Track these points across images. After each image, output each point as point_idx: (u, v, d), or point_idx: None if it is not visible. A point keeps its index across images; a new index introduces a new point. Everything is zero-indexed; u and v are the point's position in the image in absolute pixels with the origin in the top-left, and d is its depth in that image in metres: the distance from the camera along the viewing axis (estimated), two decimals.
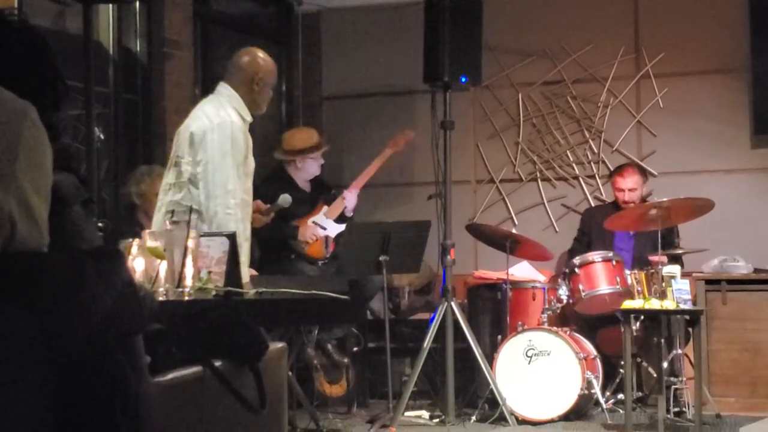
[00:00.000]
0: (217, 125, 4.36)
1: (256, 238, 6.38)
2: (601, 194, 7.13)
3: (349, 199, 6.40)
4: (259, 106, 4.59)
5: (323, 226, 6.25)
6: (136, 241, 2.86)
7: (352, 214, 6.45)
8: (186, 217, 3.72)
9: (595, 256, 6.02)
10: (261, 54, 4.63)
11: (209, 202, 4.31)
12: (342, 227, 6.14)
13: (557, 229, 7.20)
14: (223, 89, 4.54)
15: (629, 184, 6.35)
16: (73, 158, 2.00)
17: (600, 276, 5.95)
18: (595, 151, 7.20)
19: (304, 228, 6.22)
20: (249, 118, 4.52)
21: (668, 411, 5.43)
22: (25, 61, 1.89)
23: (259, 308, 2.81)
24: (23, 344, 1.63)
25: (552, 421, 5.63)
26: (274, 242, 6.24)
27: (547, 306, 6.04)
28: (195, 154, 4.38)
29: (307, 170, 6.34)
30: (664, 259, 5.68)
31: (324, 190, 6.57)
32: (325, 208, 6.36)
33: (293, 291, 2.83)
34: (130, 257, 2.80)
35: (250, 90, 4.51)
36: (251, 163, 4.55)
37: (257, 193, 5.31)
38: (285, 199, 5.01)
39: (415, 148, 7.02)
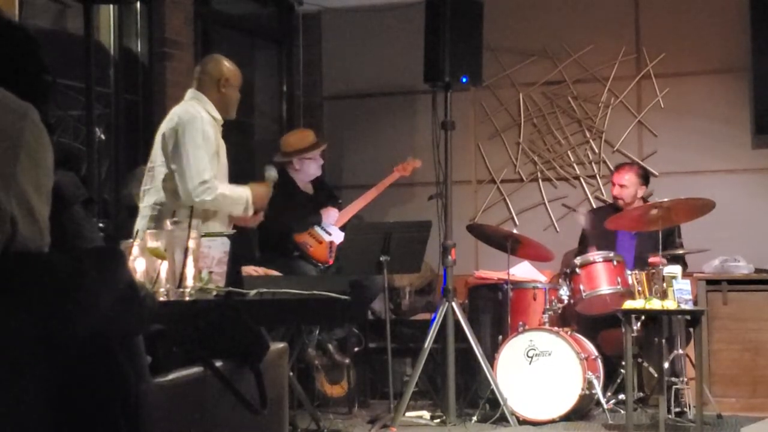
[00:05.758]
0: (187, 121, 4.47)
1: (257, 237, 6.42)
2: (602, 194, 7.13)
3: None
4: (228, 109, 4.70)
5: (329, 232, 6.29)
6: (137, 242, 2.85)
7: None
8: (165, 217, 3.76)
9: (596, 256, 6.01)
10: (225, 60, 4.78)
11: (190, 197, 4.36)
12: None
13: (558, 230, 7.20)
14: (192, 94, 4.66)
15: (622, 180, 6.34)
16: (74, 157, 1.99)
17: (601, 276, 5.94)
18: (596, 151, 7.20)
19: (326, 212, 6.28)
20: (220, 119, 4.63)
21: (669, 411, 5.43)
22: (8, 58, 1.87)
23: (260, 308, 2.81)
24: (23, 344, 1.62)
25: (553, 421, 5.62)
26: (276, 240, 6.23)
27: (548, 306, 6.03)
28: (167, 154, 4.48)
29: (305, 171, 6.35)
30: (663, 260, 5.66)
31: (329, 195, 6.59)
32: None
33: (294, 291, 2.83)
34: (131, 257, 2.79)
35: (218, 92, 4.64)
36: (224, 163, 4.63)
37: None
38: (270, 172, 4.90)
39: (416, 149, 7.02)
